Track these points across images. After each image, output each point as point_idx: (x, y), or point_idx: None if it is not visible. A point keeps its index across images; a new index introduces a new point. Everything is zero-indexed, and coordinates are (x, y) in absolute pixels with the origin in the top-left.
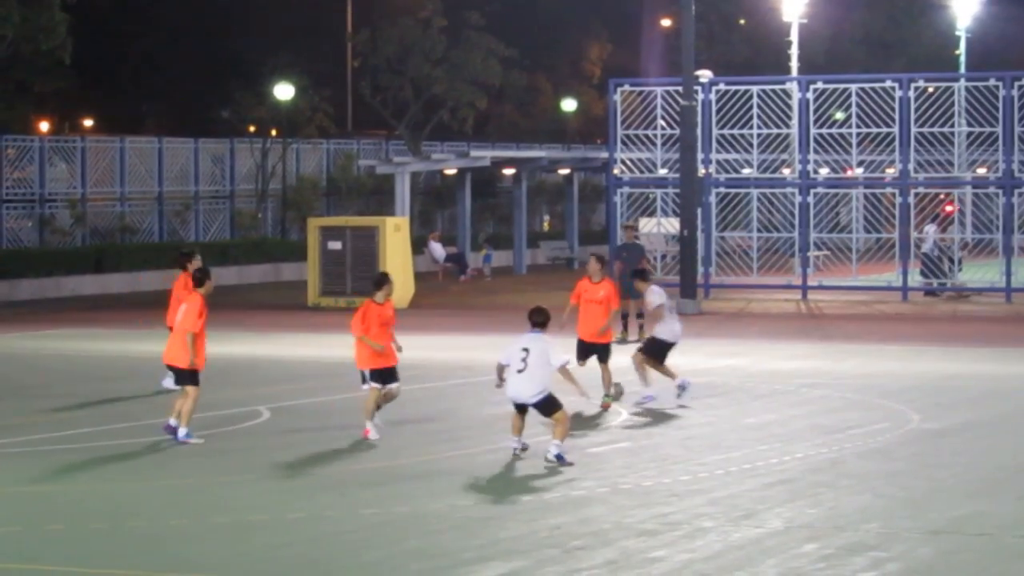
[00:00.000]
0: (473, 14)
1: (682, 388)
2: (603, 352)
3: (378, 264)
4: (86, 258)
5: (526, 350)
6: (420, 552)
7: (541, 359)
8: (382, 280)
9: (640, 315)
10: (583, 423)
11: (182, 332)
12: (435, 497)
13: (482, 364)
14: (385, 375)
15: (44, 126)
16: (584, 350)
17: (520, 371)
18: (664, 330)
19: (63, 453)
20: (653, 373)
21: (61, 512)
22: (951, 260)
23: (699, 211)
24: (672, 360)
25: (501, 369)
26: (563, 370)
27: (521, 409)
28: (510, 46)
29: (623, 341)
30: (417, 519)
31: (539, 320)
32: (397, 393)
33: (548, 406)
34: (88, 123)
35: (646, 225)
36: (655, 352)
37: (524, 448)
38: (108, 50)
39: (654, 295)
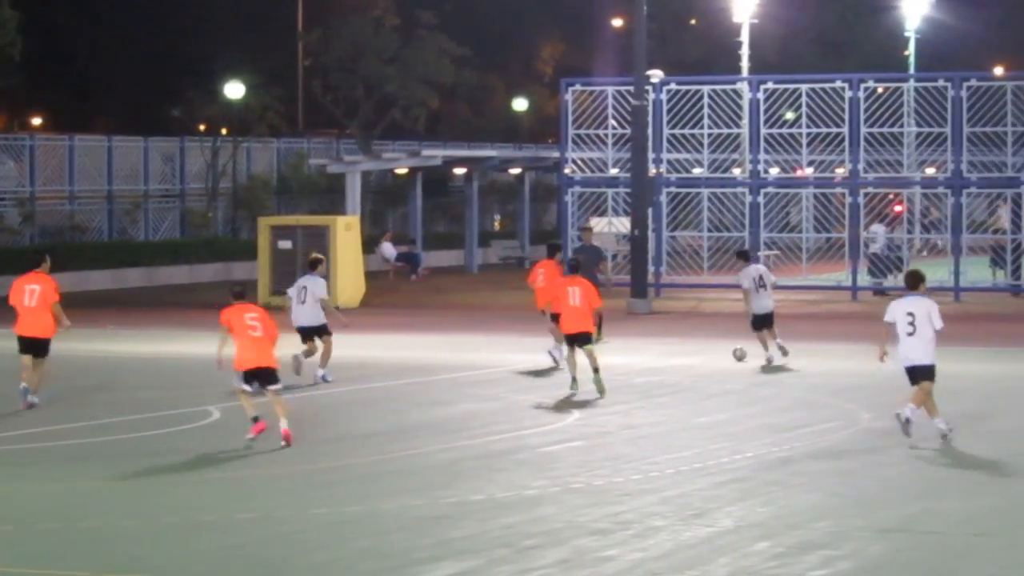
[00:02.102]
0: (425, 13)
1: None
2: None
3: (329, 263)
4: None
5: (911, 314)
6: (371, 552)
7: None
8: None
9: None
10: (536, 422)
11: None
12: (387, 497)
13: (434, 363)
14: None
15: None
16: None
17: (909, 334)
18: None
19: (10, 454)
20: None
21: (10, 513)
22: (900, 259)
23: (650, 211)
24: (624, 359)
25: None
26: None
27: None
28: (462, 45)
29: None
30: (369, 519)
31: (913, 283)
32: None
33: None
34: (37, 121)
35: (597, 225)
36: None
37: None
38: (58, 48)
39: None
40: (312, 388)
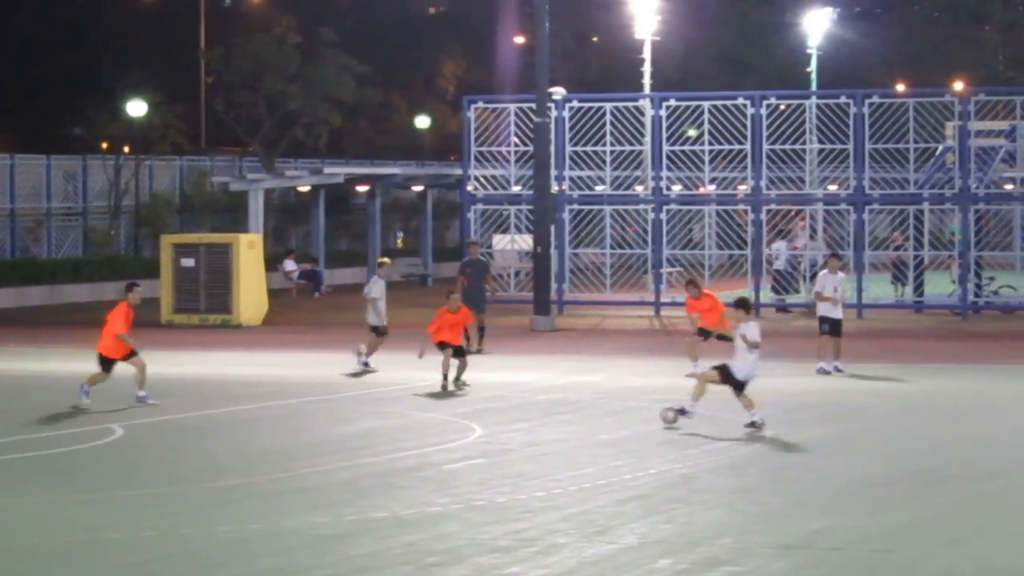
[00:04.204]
0: (327, 30)
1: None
2: (459, 350)
3: (232, 281)
4: None
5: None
6: (274, 570)
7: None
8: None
9: (481, 329)
10: (438, 439)
11: None
12: (290, 514)
13: (336, 382)
14: None
15: None
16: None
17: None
18: None
19: None
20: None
21: None
22: (803, 276)
23: (553, 228)
24: (526, 377)
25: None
26: None
27: None
28: (364, 63)
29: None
30: (272, 537)
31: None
32: None
33: None
34: None
35: (500, 242)
36: None
37: None
38: None
39: None
40: (213, 407)
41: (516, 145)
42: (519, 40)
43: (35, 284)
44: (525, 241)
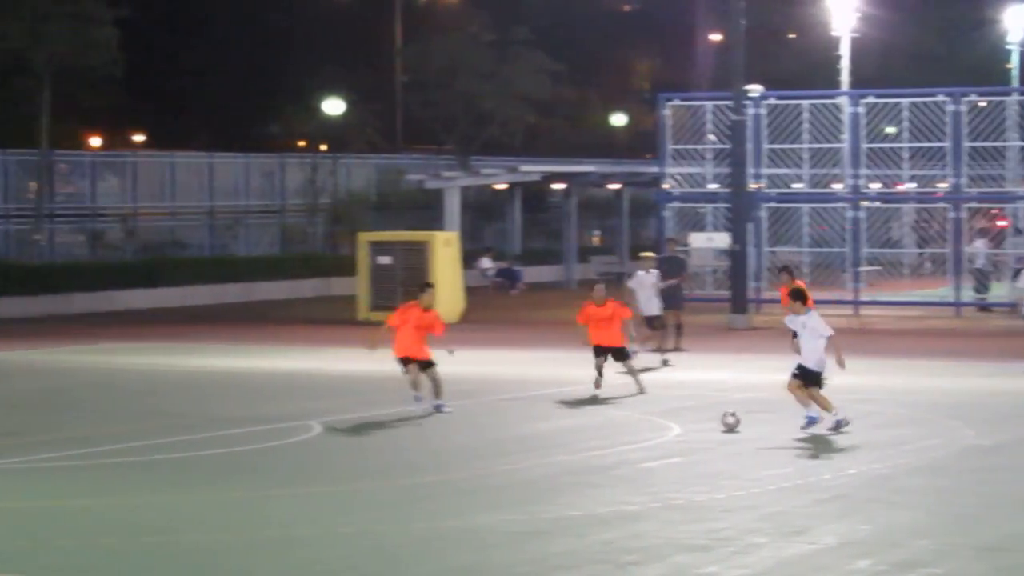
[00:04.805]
0: (521, 29)
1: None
2: (618, 353)
3: (428, 278)
4: (137, 272)
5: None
6: (469, 567)
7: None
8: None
9: (679, 327)
10: (633, 438)
11: None
12: (485, 512)
13: (531, 379)
14: None
15: (95, 141)
16: (602, 352)
17: None
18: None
19: (114, 467)
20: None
21: (113, 526)
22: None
23: (750, 226)
24: (723, 375)
25: None
26: None
27: None
28: (558, 61)
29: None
30: (467, 534)
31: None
32: None
33: None
34: (139, 138)
35: (696, 240)
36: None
37: None
38: (158, 66)
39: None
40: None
41: (712, 142)
42: (714, 37)
43: (232, 281)
44: (721, 239)
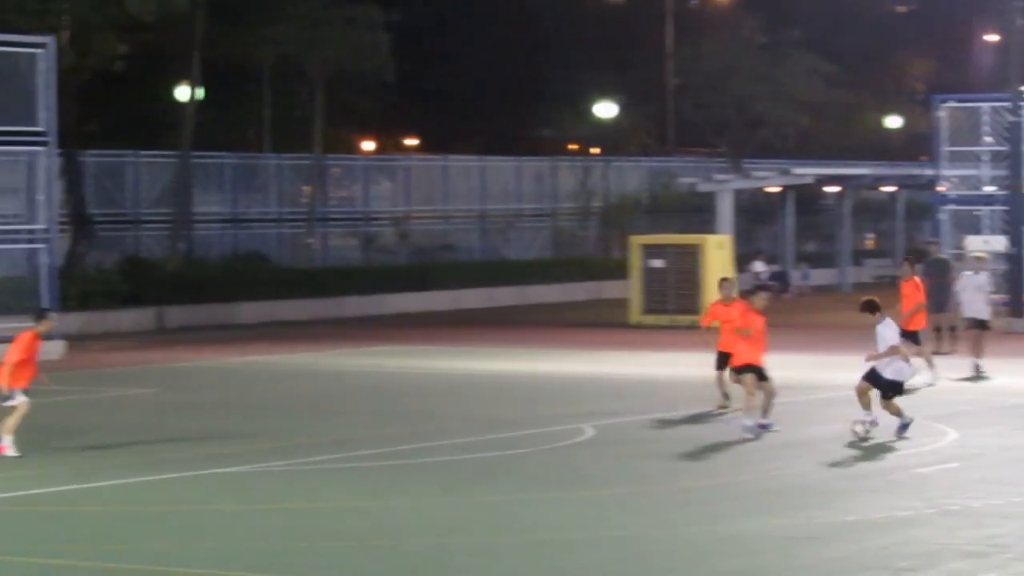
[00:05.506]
0: (793, 31)
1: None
2: (756, 372)
3: (700, 283)
4: (410, 276)
5: None
6: (741, 572)
7: None
8: None
9: (953, 328)
10: (909, 443)
11: None
12: (755, 516)
13: (806, 382)
14: None
15: (367, 145)
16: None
17: None
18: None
19: (377, 470)
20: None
21: (384, 528)
22: None
23: None
24: (1001, 381)
25: None
26: None
27: None
28: (831, 62)
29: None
30: (737, 538)
31: None
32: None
33: None
34: (411, 142)
35: (972, 243)
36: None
37: None
38: (430, 70)
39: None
40: (671, 410)
41: (989, 144)
42: (991, 37)
43: (503, 285)
44: (998, 242)
